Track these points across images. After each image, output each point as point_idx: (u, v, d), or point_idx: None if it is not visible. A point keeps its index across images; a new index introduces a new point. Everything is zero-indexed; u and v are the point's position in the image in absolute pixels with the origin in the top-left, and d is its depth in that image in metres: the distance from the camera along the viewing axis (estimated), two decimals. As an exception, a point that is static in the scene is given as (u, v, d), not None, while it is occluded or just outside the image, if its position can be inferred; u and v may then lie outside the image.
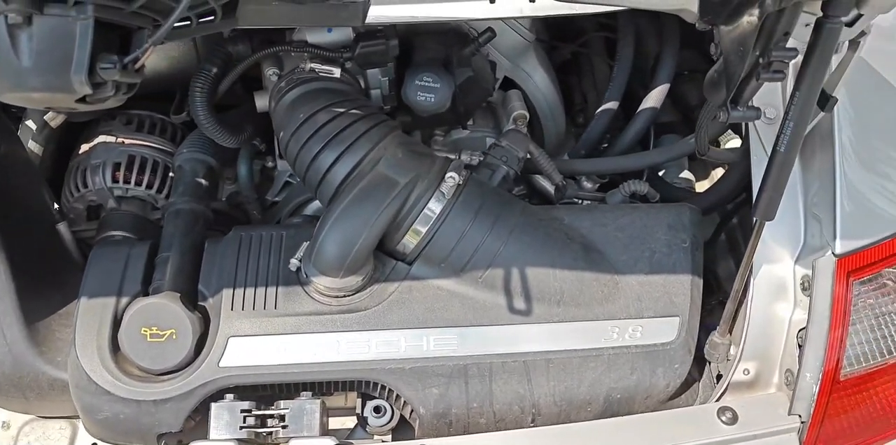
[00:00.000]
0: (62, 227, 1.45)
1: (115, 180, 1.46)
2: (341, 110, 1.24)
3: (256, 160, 1.53)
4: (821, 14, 0.91)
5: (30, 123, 1.48)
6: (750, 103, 1.01)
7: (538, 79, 1.60)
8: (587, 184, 1.52)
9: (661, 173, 1.67)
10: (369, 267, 1.22)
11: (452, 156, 1.37)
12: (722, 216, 1.57)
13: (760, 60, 0.94)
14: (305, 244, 1.23)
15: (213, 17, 0.85)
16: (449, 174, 1.21)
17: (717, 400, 1.22)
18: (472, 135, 1.55)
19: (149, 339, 1.18)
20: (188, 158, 1.43)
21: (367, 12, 0.92)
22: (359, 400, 1.27)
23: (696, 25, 1.05)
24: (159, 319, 1.18)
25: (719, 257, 1.55)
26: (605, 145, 1.61)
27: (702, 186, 1.84)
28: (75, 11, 0.72)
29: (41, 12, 0.72)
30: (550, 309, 1.21)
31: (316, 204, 1.47)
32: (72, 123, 1.55)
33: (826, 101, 1.15)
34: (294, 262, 1.22)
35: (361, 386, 1.23)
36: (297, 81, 1.30)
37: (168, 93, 1.58)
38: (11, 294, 1.25)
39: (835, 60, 1.13)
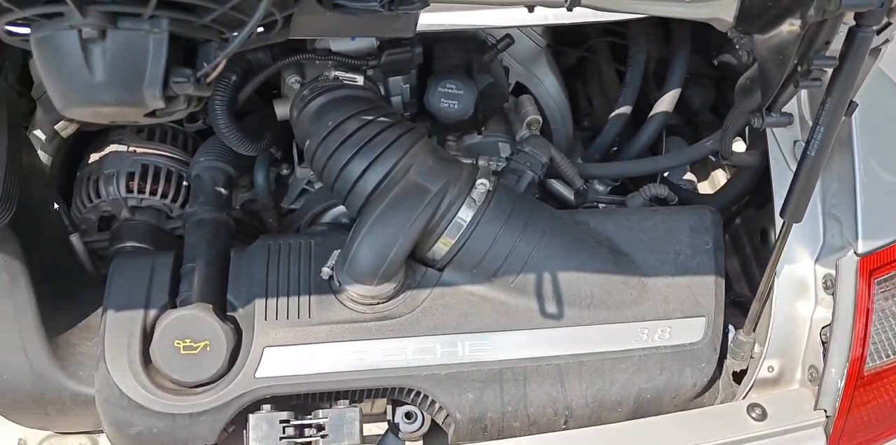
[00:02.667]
0: (74, 238, 1.43)
1: (129, 190, 1.44)
2: (370, 118, 1.24)
3: (272, 168, 1.52)
4: (854, 23, 0.94)
5: (38, 133, 1.45)
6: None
7: (549, 84, 1.62)
8: (599, 188, 1.54)
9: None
10: (401, 274, 1.22)
11: (481, 162, 1.37)
12: (725, 217, 1.61)
13: (799, 68, 0.96)
14: (336, 252, 1.23)
15: (268, 29, 0.85)
16: (480, 180, 1.22)
17: (743, 398, 1.26)
18: (484, 141, 1.56)
19: (182, 352, 1.17)
20: (206, 167, 1.41)
21: (417, 23, 0.92)
22: (389, 407, 1.27)
23: (728, 34, 1.08)
24: (192, 331, 1.17)
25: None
26: (615, 149, 1.63)
27: (702, 187, 1.88)
28: (149, 25, 0.72)
29: (115, 26, 0.71)
30: (581, 312, 1.23)
31: (335, 211, 1.47)
32: (81, 133, 1.52)
33: (848, 106, 1.19)
34: (326, 271, 1.22)
35: (393, 393, 1.24)
36: (321, 89, 1.29)
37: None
38: (33, 308, 1.23)
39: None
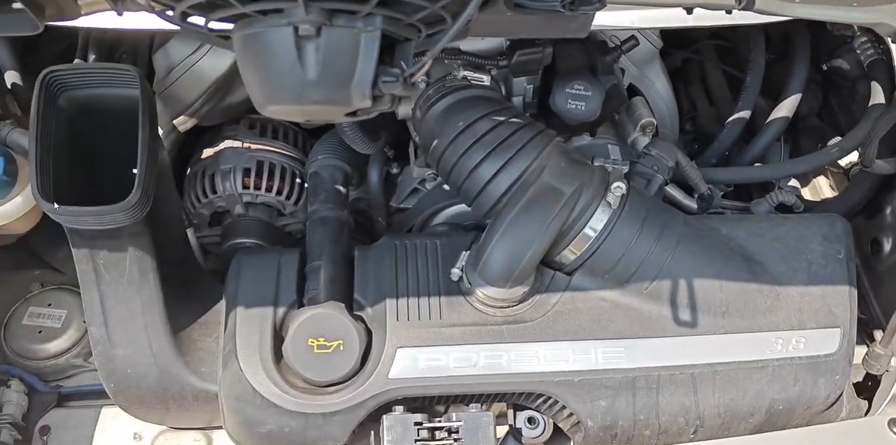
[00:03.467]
0: (189, 234, 1.43)
1: (244, 186, 1.44)
2: (501, 118, 1.23)
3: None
4: None
5: (156, 128, 1.45)
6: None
7: (660, 87, 1.59)
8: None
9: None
10: (532, 277, 1.20)
11: (597, 163, 1.35)
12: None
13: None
14: (465, 253, 1.22)
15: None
16: (616, 184, 1.19)
17: (879, 412, 1.23)
18: (593, 142, 1.53)
19: (316, 350, 1.16)
20: (324, 165, 1.40)
21: (592, 24, 0.90)
22: (510, 411, 1.25)
23: (891, 39, 1.05)
24: (326, 330, 1.16)
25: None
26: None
27: (804, 194, 1.84)
28: (363, 23, 0.71)
29: (331, 24, 0.70)
30: (716, 320, 1.21)
31: (449, 211, 1.44)
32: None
33: None
34: (456, 272, 1.20)
35: (520, 397, 1.22)
36: (448, 89, 1.27)
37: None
38: (160, 303, 1.23)
39: None
